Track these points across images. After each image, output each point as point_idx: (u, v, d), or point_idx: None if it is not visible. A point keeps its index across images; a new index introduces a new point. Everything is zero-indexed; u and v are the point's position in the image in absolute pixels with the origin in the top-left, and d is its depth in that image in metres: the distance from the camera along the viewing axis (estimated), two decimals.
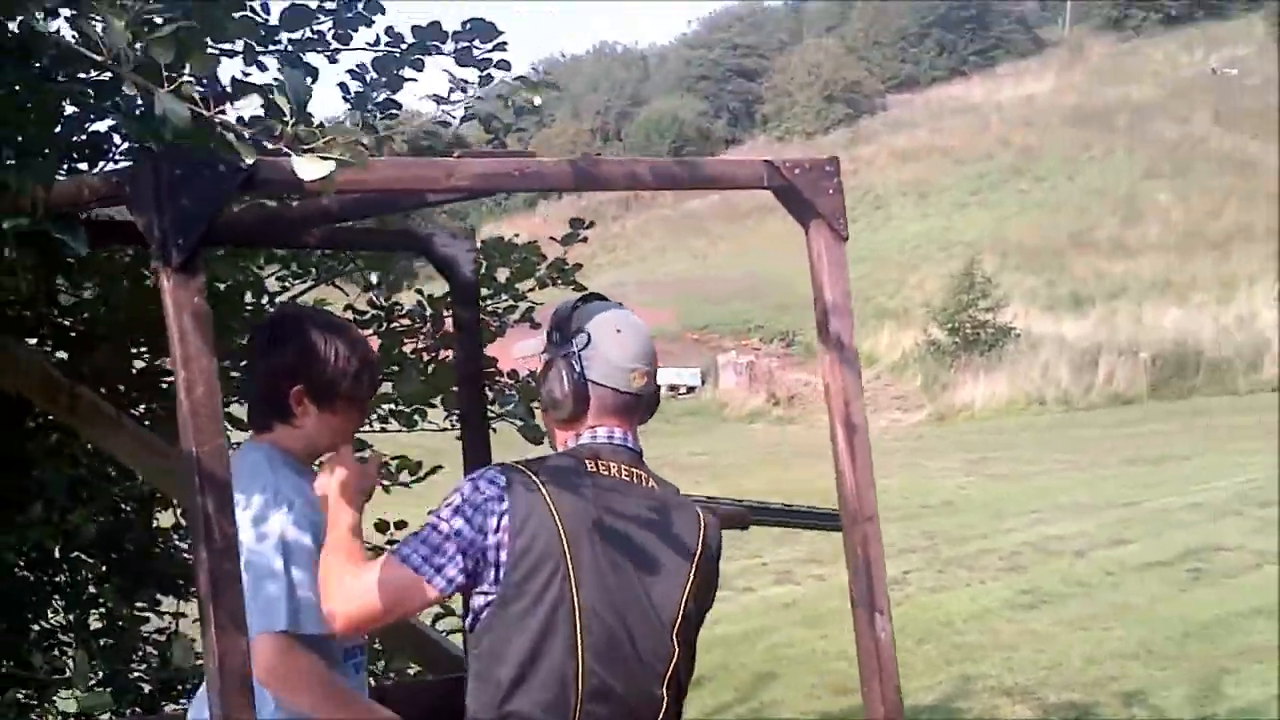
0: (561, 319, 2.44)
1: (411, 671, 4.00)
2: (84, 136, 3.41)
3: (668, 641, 2.31)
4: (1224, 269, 31.12)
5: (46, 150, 2.64)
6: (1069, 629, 8.59)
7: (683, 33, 65.75)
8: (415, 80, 3.96)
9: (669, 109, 55.60)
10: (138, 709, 3.77)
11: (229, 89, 2.80)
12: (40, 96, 2.86)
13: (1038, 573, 10.32)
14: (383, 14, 3.70)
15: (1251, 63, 47.10)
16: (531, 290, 4.36)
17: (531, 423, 3.87)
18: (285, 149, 1.90)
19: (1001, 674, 7.66)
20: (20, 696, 3.72)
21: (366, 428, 3.76)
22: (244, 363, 2.98)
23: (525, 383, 4.06)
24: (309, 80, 3.50)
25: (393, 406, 3.98)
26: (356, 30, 3.61)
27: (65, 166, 2.89)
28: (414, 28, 3.75)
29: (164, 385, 3.52)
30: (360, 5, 3.65)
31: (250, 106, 1.91)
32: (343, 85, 3.75)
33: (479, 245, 3.55)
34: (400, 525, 3.80)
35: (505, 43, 3.96)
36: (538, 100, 2.37)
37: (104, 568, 3.81)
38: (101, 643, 3.89)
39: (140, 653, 4.13)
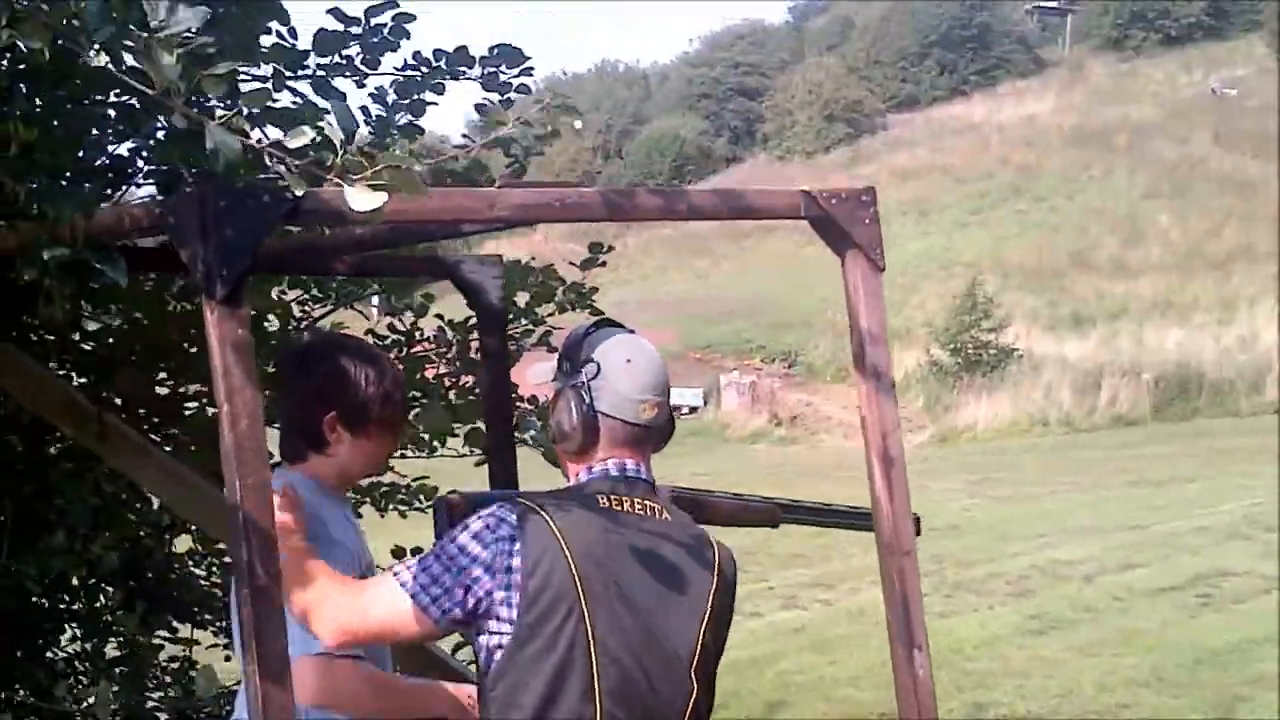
0: (571, 347, 2.40)
1: None
2: (106, 160, 3.42)
3: (686, 678, 2.27)
4: (1225, 290, 31.15)
5: (88, 180, 2.64)
6: (1079, 655, 8.56)
7: (684, 51, 65.99)
8: (436, 104, 3.97)
9: (670, 127, 55.68)
10: None
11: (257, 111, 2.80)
12: (76, 122, 2.86)
13: (1046, 597, 10.29)
14: (408, 38, 3.70)
15: (1251, 83, 47.23)
16: (551, 315, 4.35)
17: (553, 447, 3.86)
18: (336, 179, 1.90)
19: (1014, 701, 7.63)
20: None
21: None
22: (271, 391, 2.96)
23: (544, 408, 4.05)
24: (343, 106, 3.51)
25: (414, 432, 3.96)
26: (384, 55, 3.62)
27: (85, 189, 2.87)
28: (436, 52, 3.76)
29: (187, 411, 3.50)
30: (386, 30, 3.65)
31: (300, 138, 1.90)
32: (364, 109, 3.74)
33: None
34: (416, 551, 3.78)
35: (531, 68, 3.97)
36: (578, 124, 2.35)
37: (123, 595, 3.78)
38: (119, 670, 3.86)
39: (156, 680, 4.11)
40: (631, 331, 2.45)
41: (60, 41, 1.94)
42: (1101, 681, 7.90)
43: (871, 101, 54.46)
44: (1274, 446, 16.96)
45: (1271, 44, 47.38)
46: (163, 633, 4.00)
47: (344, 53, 3.58)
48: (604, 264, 4.62)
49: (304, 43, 3.33)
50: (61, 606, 3.89)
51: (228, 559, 3.98)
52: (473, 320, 4.15)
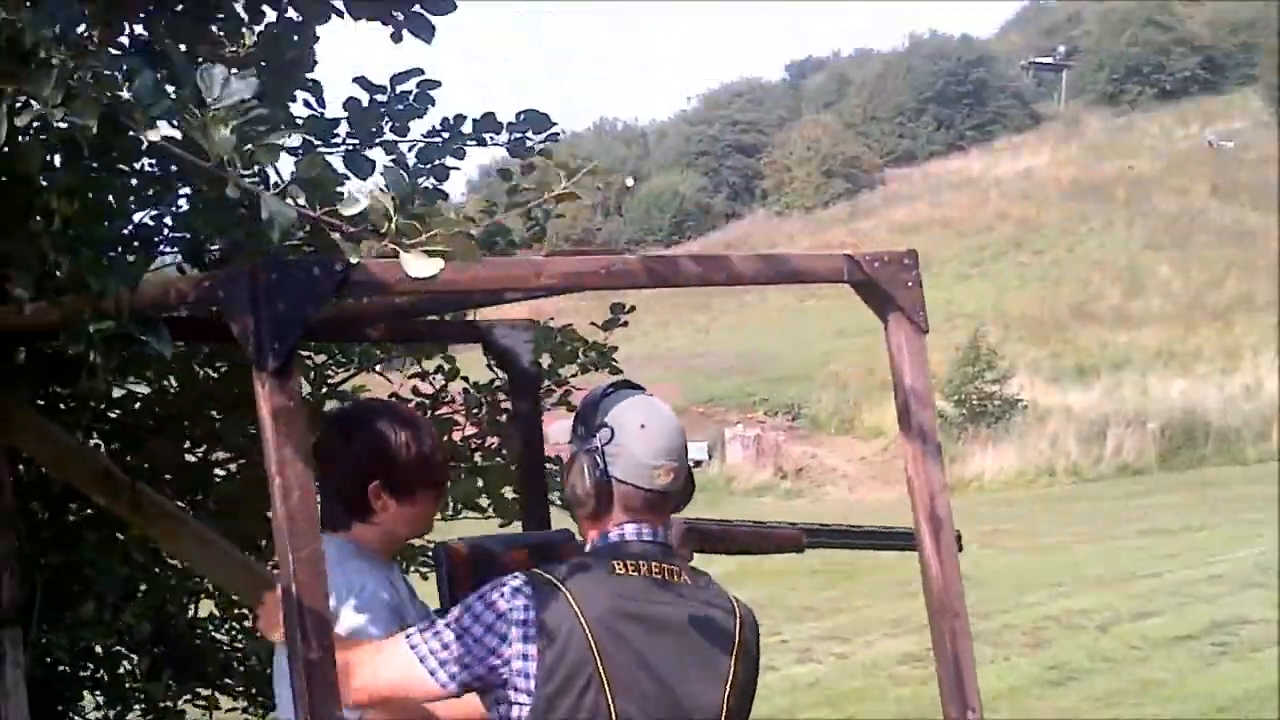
0: (586, 410, 2.36)
1: None
2: (131, 229, 3.43)
3: None
4: (1227, 339, 31.19)
5: (127, 252, 2.64)
6: (1100, 706, 8.50)
7: (682, 109, 66.24)
8: (458, 169, 3.99)
9: (669, 184, 55.98)
10: None
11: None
12: (109, 193, 2.87)
13: (1063, 648, 10.23)
14: (433, 105, 3.73)
15: (1247, 136, 47.57)
16: (574, 376, 4.35)
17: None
18: (390, 246, 1.90)
19: None
20: None
21: None
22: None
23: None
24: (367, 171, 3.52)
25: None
26: (412, 122, 3.64)
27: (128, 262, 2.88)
28: (457, 117, 3.78)
29: (217, 479, 3.49)
30: (411, 97, 3.68)
31: (353, 205, 1.91)
32: (386, 175, 3.75)
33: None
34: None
35: (557, 133, 3.99)
36: (630, 181, 2.35)
37: (149, 662, 3.75)
38: None
39: None
40: (648, 394, 2.42)
41: (113, 117, 1.95)
42: None
43: (869, 157, 54.83)
44: None
45: (1267, 97, 47.75)
46: (188, 698, 3.97)
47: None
48: (625, 324, 4.63)
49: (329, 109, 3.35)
50: (84, 674, 3.86)
51: (248, 623, 3.96)
52: (497, 382, 4.17)
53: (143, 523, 2.91)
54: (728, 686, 2.27)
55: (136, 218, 3.40)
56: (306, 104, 3.57)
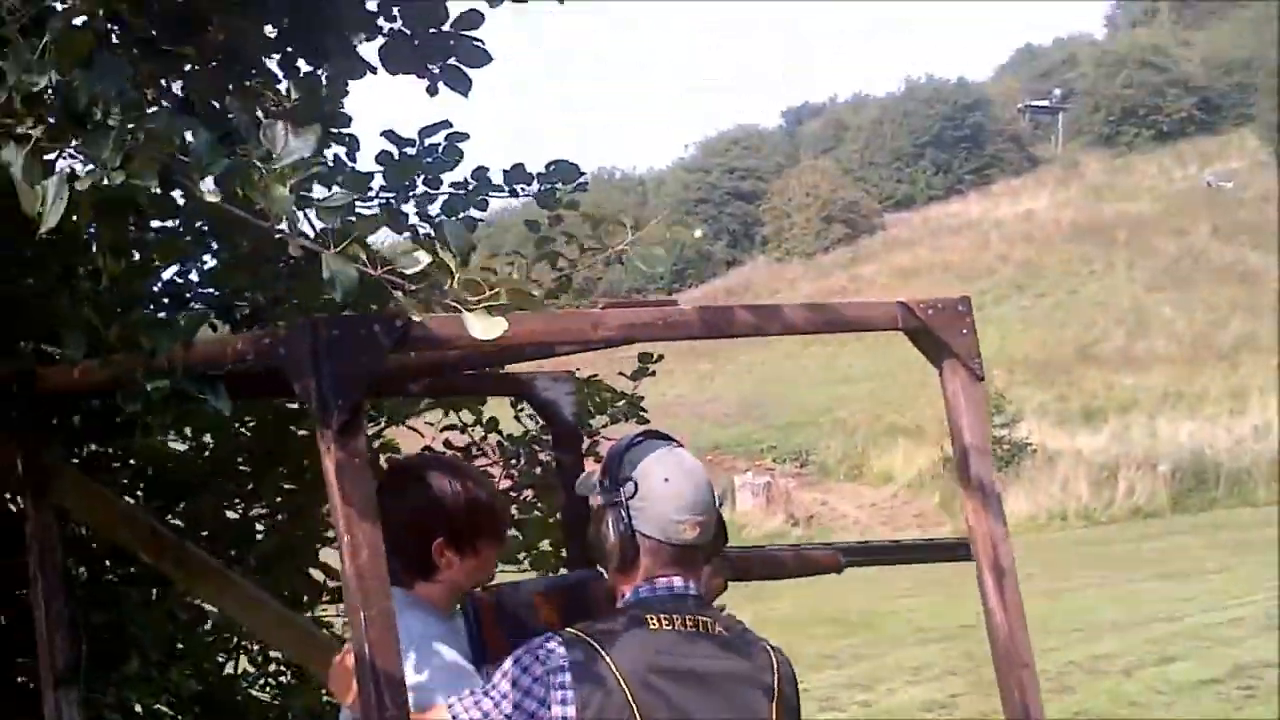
0: (612, 462, 2.35)
1: None
2: (161, 285, 3.42)
3: None
4: (1233, 380, 31.14)
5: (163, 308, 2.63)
6: None
7: (679, 157, 66.50)
8: (483, 220, 3.99)
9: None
10: None
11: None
12: (150, 250, 2.86)
13: (1088, 693, 10.12)
14: (462, 157, 3.74)
15: (1245, 176, 47.75)
16: (605, 426, 4.33)
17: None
18: (453, 304, 1.88)
19: None
20: None
21: None
22: None
23: None
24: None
25: None
26: (444, 174, 3.65)
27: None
28: (478, 170, 3.79)
29: (259, 535, 3.46)
30: (440, 151, 3.68)
31: (415, 263, 1.89)
32: (413, 228, 3.76)
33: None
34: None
35: (586, 183, 4.00)
36: (698, 233, 2.35)
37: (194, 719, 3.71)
38: None
39: None
40: (675, 444, 2.40)
41: (170, 177, 1.94)
42: None
43: (868, 202, 55.00)
44: None
45: (1265, 137, 47.97)
46: None
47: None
48: (653, 374, 4.62)
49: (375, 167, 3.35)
50: None
51: (286, 679, 3.92)
52: (530, 433, 4.15)
53: (189, 581, 2.88)
54: None
55: (165, 274, 3.41)
56: (337, 158, 3.58)
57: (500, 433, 4.05)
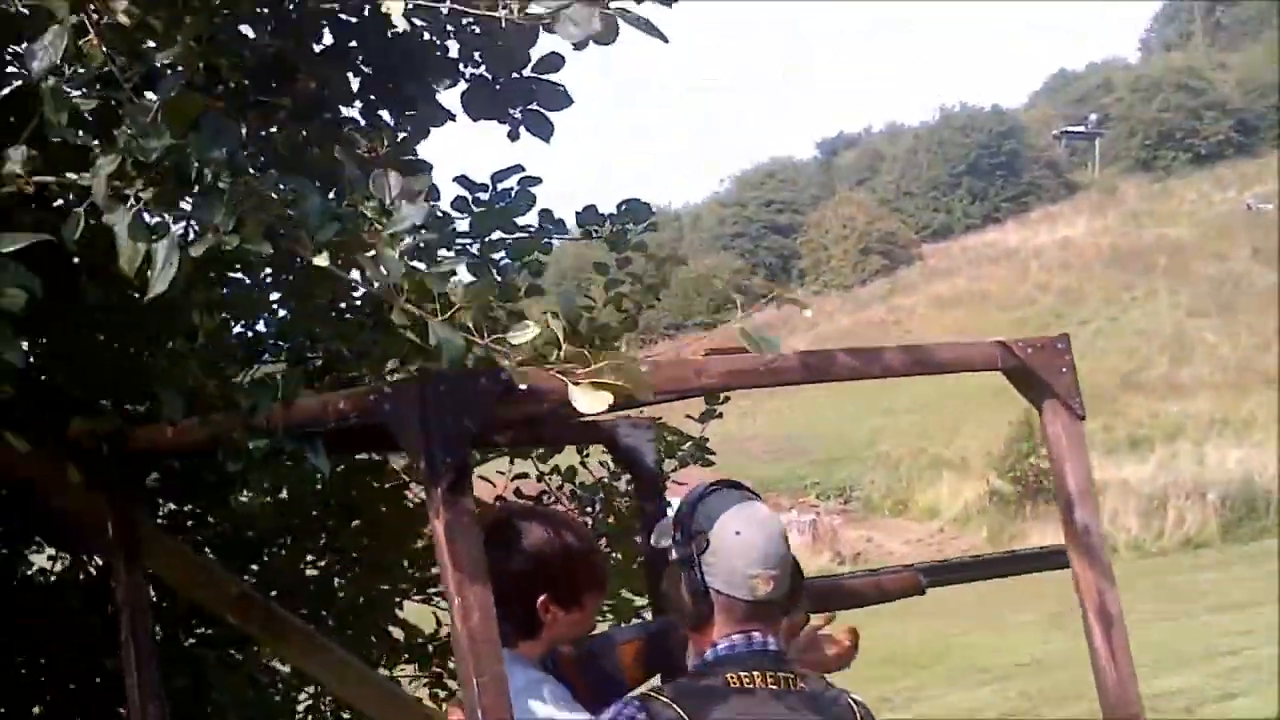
0: (683, 515, 2.30)
1: None
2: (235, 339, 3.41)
3: None
4: None
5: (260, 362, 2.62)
6: None
7: (714, 191, 66.64)
8: (546, 264, 3.97)
9: (706, 267, 56.15)
10: None
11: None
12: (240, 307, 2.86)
13: None
14: (534, 202, 3.72)
15: None
16: (675, 470, 4.29)
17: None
18: (559, 375, 1.86)
19: None
20: None
21: None
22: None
23: None
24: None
25: None
26: (518, 219, 3.63)
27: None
28: (543, 212, 3.77)
29: (339, 593, 3.44)
30: (512, 195, 3.67)
31: (524, 334, 1.88)
32: (476, 274, 3.74)
33: None
34: None
35: (655, 224, 3.97)
36: (808, 312, 2.33)
37: None
38: None
39: None
40: (748, 493, 2.35)
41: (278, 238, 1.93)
42: None
43: (905, 232, 54.85)
44: None
45: None
46: None
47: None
48: (720, 415, 4.59)
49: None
50: None
51: None
52: (603, 479, 4.12)
53: (274, 643, 2.85)
54: None
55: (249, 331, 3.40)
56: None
57: (573, 481, 4.03)
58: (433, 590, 3.49)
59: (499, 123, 3.08)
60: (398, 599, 3.44)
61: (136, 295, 2.26)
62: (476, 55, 2.99)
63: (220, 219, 1.80)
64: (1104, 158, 60.20)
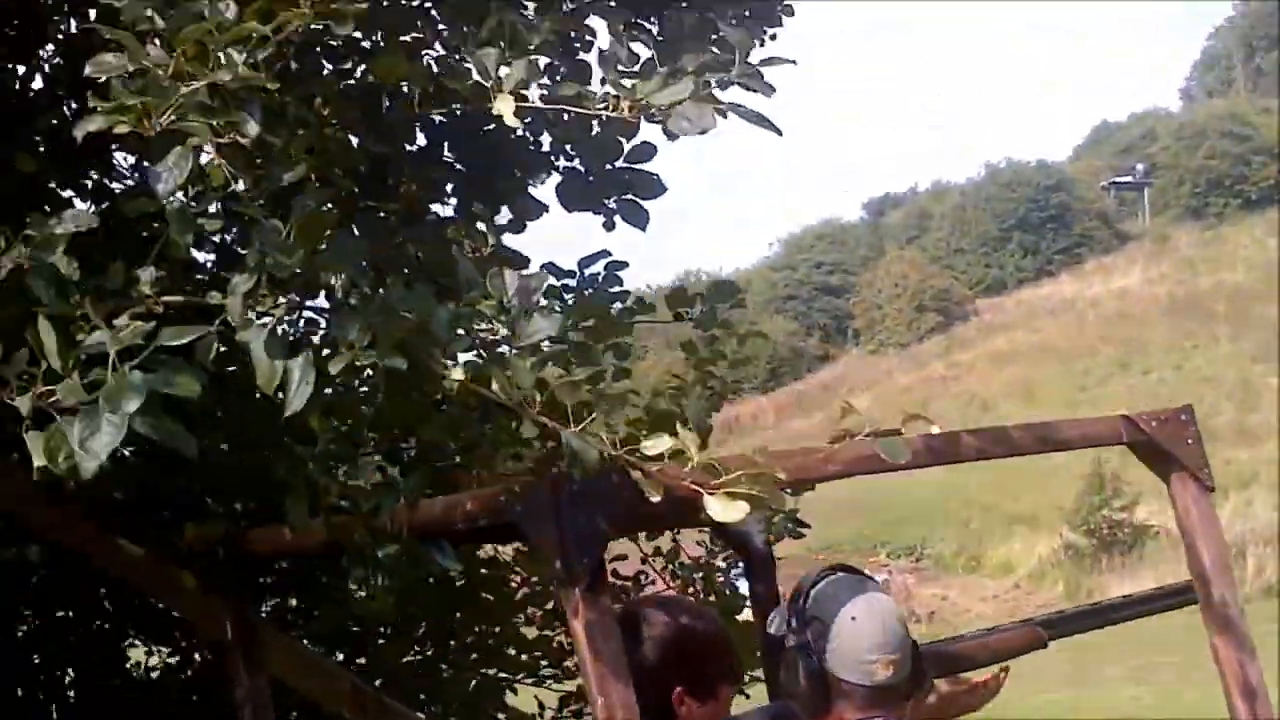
0: (797, 601, 2.27)
1: None
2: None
3: None
4: None
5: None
6: None
7: (764, 255, 66.75)
8: (631, 342, 3.97)
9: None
10: None
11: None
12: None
13: None
14: (622, 285, 3.72)
15: None
16: (773, 542, 4.26)
17: None
18: (693, 485, 1.85)
19: None
20: None
21: None
22: None
23: None
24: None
25: None
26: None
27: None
28: (627, 294, 3.78)
29: (447, 681, 3.42)
30: (600, 278, 3.68)
31: (658, 444, 1.87)
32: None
33: None
34: None
35: (743, 301, 3.98)
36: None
37: None
38: None
39: None
40: (863, 577, 2.32)
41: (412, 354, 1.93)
42: None
43: (959, 288, 54.64)
44: None
45: None
46: None
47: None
48: (814, 488, 4.55)
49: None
50: None
51: None
52: (702, 558, 4.10)
53: None
54: None
55: None
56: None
57: (673, 562, 4.01)
58: (545, 673, 3.47)
59: (593, 214, 3.10)
60: (504, 685, 3.42)
61: (256, 399, 2.29)
62: (569, 147, 3.02)
63: (356, 335, 1.81)
64: (1153, 207, 59.74)
